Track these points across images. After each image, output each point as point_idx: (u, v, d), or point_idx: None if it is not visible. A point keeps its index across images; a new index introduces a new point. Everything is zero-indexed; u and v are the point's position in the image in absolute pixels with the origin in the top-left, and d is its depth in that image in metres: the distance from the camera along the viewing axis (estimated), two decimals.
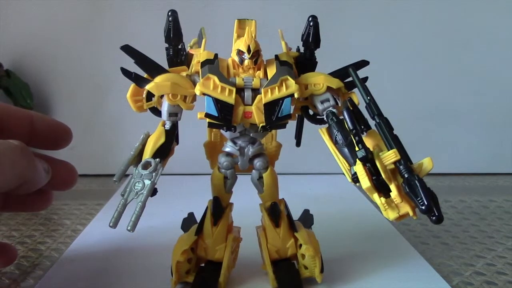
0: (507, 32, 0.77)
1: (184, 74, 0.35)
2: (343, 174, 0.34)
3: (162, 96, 0.35)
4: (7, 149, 0.30)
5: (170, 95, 0.34)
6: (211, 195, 0.38)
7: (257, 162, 0.37)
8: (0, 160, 0.29)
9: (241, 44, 0.33)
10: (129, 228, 0.30)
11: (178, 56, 0.36)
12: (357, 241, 0.49)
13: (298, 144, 0.40)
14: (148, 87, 0.34)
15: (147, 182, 0.32)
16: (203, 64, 0.34)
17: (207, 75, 0.33)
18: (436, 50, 0.77)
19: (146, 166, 0.33)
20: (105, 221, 0.31)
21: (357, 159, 0.32)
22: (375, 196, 0.31)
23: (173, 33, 0.35)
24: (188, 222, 0.42)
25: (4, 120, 0.36)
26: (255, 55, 0.33)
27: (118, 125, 0.77)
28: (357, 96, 0.35)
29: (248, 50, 0.33)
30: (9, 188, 0.31)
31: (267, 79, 0.34)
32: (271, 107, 0.33)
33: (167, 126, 0.35)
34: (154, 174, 0.32)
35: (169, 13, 0.35)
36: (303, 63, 0.36)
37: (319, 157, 0.62)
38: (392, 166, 0.31)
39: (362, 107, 0.34)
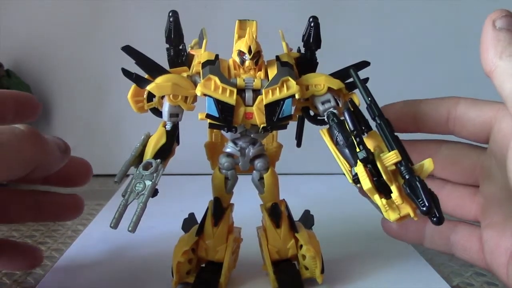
0: None
1: (185, 74, 0.35)
2: (344, 174, 0.34)
3: (163, 97, 0.35)
4: (11, 136, 0.29)
5: (171, 95, 0.34)
6: (212, 196, 0.38)
7: (258, 163, 0.37)
8: (4, 149, 0.28)
9: (242, 45, 0.33)
10: (130, 228, 0.30)
11: (179, 57, 0.36)
12: (358, 241, 0.49)
13: (298, 144, 0.40)
14: (149, 87, 0.34)
15: (148, 183, 0.32)
16: (204, 64, 0.34)
17: (208, 75, 0.33)
18: (437, 51, 0.77)
19: (147, 167, 0.33)
20: (106, 222, 0.31)
21: (358, 160, 0.32)
22: (376, 197, 0.31)
23: (174, 33, 0.35)
24: (188, 222, 0.42)
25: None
26: (256, 55, 0.33)
27: (118, 126, 0.77)
28: (358, 97, 0.35)
29: (249, 51, 0.33)
30: (18, 176, 0.30)
31: (268, 80, 0.34)
32: (272, 108, 0.33)
33: (168, 127, 0.35)
34: (155, 175, 0.32)
35: (170, 14, 0.35)
36: (304, 63, 0.36)
37: (320, 158, 0.62)
38: (393, 167, 0.31)
39: (363, 108, 0.34)
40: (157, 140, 0.34)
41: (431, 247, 0.39)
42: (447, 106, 0.37)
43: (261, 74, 0.34)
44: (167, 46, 0.36)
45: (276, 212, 0.38)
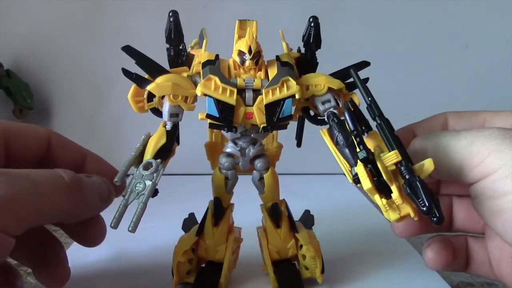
0: (507, 32, 0.77)
1: (185, 74, 0.35)
2: (344, 174, 0.33)
3: (163, 97, 0.35)
4: (52, 187, 0.29)
5: (171, 95, 0.34)
6: (212, 196, 0.38)
7: (258, 163, 0.37)
8: (42, 199, 0.28)
9: (242, 45, 0.33)
10: (130, 228, 0.30)
11: (179, 57, 0.36)
12: (358, 241, 0.49)
13: (299, 144, 0.40)
14: (149, 87, 0.34)
15: (148, 182, 0.32)
16: (204, 64, 0.34)
17: (208, 75, 0.33)
18: (437, 51, 0.77)
19: (147, 166, 0.33)
20: (106, 222, 0.31)
21: (358, 160, 0.32)
22: (376, 197, 0.31)
23: (174, 33, 0.35)
24: (188, 222, 0.41)
25: (56, 152, 0.36)
26: (256, 55, 0.33)
27: (118, 126, 0.77)
28: (358, 97, 0.35)
29: (249, 51, 0.33)
30: (49, 223, 0.30)
31: (268, 80, 0.34)
32: (272, 108, 0.33)
33: (168, 127, 0.35)
34: (155, 174, 0.32)
35: (170, 14, 0.35)
36: (304, 63, 0.36)
37: (320, 158, 0.62)
38: (393, 167, 0.31)
39: (363, 108, 0.34)
40: (157, 140, 0.34)
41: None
42: (441, 124, 0.36)
43: (261, 74, 0.34)
44: (167, 46, 0.36)
45: (276, 212, 0.38)
